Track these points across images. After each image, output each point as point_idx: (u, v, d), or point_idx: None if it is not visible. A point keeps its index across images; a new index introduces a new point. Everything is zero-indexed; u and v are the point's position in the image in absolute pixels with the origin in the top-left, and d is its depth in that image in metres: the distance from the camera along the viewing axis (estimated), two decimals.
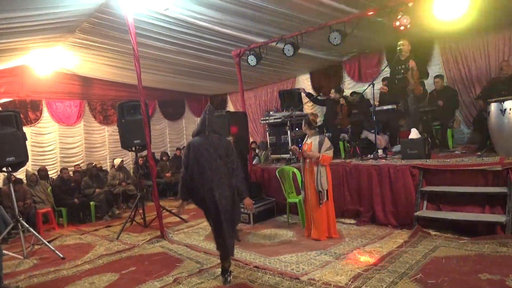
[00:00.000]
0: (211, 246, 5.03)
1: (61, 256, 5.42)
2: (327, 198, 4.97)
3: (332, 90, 7.48)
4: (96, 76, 9.77)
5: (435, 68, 7.67)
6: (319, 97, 8.39)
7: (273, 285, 3.69)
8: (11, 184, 5.86)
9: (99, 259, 5.20)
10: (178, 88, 11.44)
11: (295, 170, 6.03)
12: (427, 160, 5.28)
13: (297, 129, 7.10)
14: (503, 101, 4.81)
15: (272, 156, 7.67)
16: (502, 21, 6.51)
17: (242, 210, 4.44)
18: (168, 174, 10.23)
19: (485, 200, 4.58)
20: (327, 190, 4.97)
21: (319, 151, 4.92)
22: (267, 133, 7.69)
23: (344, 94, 7.90)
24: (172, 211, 6.92)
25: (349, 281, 3.58)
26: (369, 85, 5.94)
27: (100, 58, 8.08)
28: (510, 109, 4.73)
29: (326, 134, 6.97)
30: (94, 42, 7.07)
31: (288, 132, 7.02)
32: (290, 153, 6.95)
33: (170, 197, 10.06)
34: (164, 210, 6.78)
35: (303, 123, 5.29)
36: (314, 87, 9.88)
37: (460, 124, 7.41)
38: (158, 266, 4.65)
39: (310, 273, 3.88)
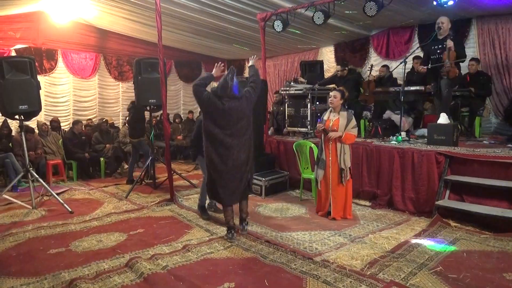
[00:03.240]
0: (220, 215, 4.91)
1: (70, 210, 5.36)
2: (350, 176, 4.78)
3: (338, 66, 7.08)
4: (114, 29, 9.47)
5: (469, 51, 7.20)
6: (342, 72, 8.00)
7: (285, 262, 3.55)
8: (22, 132, 5.74)
9: (107, 217, 5.13)
10: (196, 50, 11.09)
11: (312, 145, 5.80)
12: (455, 147, 5.02)
13: (318, 102, 6.79)
14: None
15: (288, 128, 7.41)
16: None
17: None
18: (179, 137, 10.07)
19: None
20: (350, 168, 4.77)
21: (345, 129, 4.69)
22: (286, 104, 7.40)
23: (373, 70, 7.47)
24: (182, 175, 6.81)
25: (365, 266, 3.42)
26: (401, 63, 5.59)
27: (119, 10, 7.75)
28: None
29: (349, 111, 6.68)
30: None
31: (309, 105, 6.73)
32: (309, 127, 6.69)
33: (180, 160, 9.97)
34: (174, 173, 6.66)
35: (333, 94, 4.78)
36: (337, 60, 9.48)
37: (489, 113, 7.06)
38: (167, 230, 4.56)
39: (324, 254, 3.73)
